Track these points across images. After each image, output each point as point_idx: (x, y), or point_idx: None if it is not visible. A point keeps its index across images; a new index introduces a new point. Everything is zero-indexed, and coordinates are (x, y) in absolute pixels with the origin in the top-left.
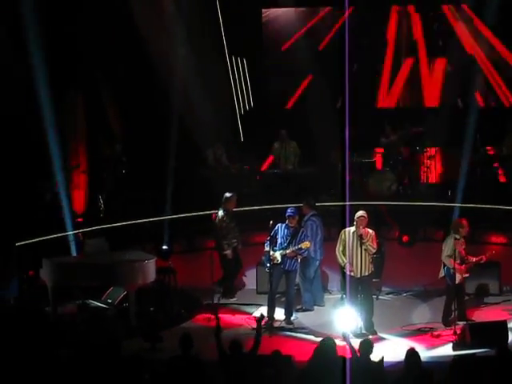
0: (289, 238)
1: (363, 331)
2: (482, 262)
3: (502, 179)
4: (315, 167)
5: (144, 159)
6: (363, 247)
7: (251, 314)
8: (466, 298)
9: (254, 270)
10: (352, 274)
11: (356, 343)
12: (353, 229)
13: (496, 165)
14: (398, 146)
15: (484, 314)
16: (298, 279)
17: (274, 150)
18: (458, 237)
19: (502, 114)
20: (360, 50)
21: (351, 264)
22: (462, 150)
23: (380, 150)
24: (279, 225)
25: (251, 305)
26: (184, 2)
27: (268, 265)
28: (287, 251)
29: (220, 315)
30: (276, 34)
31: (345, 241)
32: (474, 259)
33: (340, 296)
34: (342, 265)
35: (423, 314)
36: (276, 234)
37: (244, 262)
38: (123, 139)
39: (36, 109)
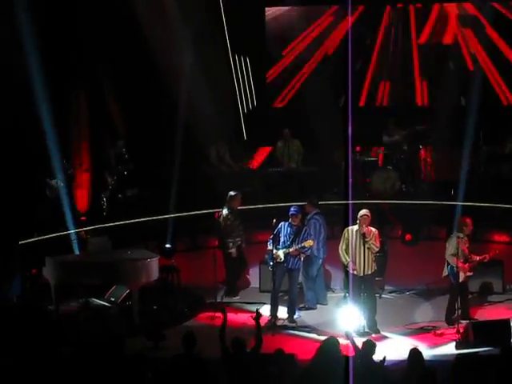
0: (292, 237)
1: (366, 330)
2: (485, 260)
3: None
4: (318, 166)
5: (147, 157)
6: (366, 246)
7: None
8: (470, 296)
9: (257, 269)
10: (355, 272)
11: (359, 342)
12: (356, 227)
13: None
14: (401, 144)
15: (487, 313)
16: (300, 278)
17: (278, 148)
18: (461, 235)
19: (506, 112)
20: (364, 49)
21: (354, 262)
22: (464, 148)
23: (381, 148)
24: (282, 223)
25: (254, 303)
26: (187, 1)
27: (271, 263)
28: (290, 250)
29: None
30: (279, 32)
31: (348, 239)
32: (478, 258)
33: (343, 294)
34: (345, 263)
35: (426, 312)
36: (279, 232)
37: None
38: (126, 137)
39: (37, 108)
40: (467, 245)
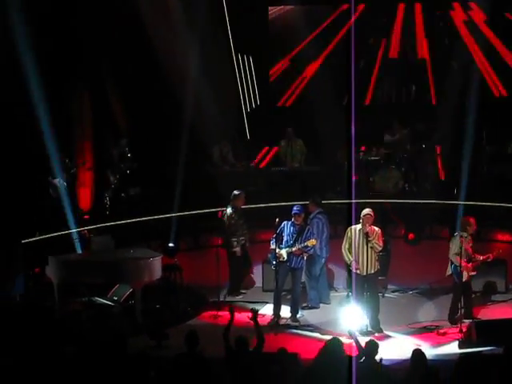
0: (295, 236)
1: (369, 329)
2: (488, 260)
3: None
4: (321, 165)
5: (150, 156)
6: (369, 245)
7: (257, 311)
8: (473, 296)
9: (260, 268)
10: (358, 271)
11: (362, 341)
12: (359, 226)
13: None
14: (404, 143)
15: (490, 312)
16: (303, 277)
17: (281, 148)
18: (465, 235)
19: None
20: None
21: (357, 262)
22: (465, 147)
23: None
24: (285, 222)
25: (257, 302)
26: (190, 1)
27: (274, 262)
28: (293, 249)
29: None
30: (283, 31)
31: (351, 238)
32: (481, 257)
33: (346, 294)
34: (348, 262)
35: (429, 311)
36: (282, 231)
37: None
38: (129, 136)
39: (36, 107)
40: (471, 244)
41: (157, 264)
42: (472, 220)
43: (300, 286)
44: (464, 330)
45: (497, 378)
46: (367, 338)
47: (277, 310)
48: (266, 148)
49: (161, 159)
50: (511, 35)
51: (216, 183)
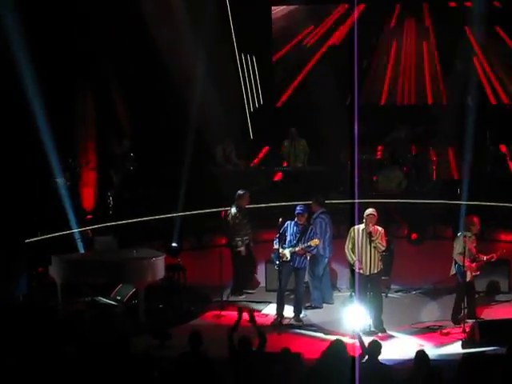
0: (298, 236)
1: (372, 329)
2: (492, 260)
3: None
4: (324, 165)
5: (153, 156)
6: (372, 245)
7: (260, 311)
8: (476, 296)
9: (263, 268)
10: (361, 271)
11: (365, 341)
12: (362, 226)
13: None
14: (407, 143)
15: (494, 312)
16: (306, 277)
17: (284, 148)
18: (469, 234)
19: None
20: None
21: (360, 262)
22: (468, 147)
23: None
24: (288, 222)
25: (260, 302)
26: (194, 1)
27: (277, 262)
28: (296, 249)
29: (232, 313)
30: (286, 31)
31: (354, 238)
32: (485, 257)
33: (349, 294)
34: (352, 262)
35: (432, 311)
36: (285, 231)
37: None
38: (132, 135)
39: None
40: (475, 244)
41: (160, 264)
42: (476, 220)
43: (303, 285)
44: (467, 330)
45: (500, 378)
46: (370, 338)
47: (280, 309)
48: (266, 148)
49: (164, 159)
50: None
51: (219, 183)
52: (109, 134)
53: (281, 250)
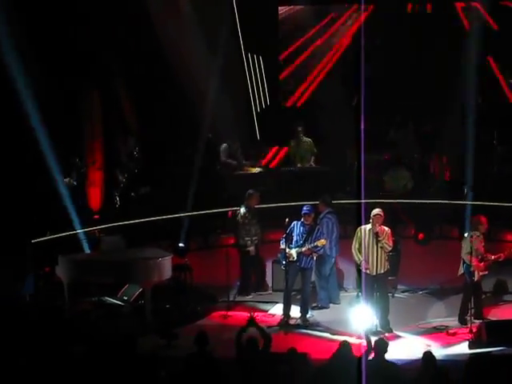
0: (304, 236)
1: (379, 329)
2: (500, 259)
3: None
4: (331, 165)
5: (159, 155)
6: (379, 245)
7: (267, 311)
8: (484, 296)
9: (270, 268)
10: (368, 271)
11: (372, 341)
12: (369, 226)
13: None
14: (414, 143)
15: (501, 312)
16: (313, 277)
17: (291, 147)
18: (477, 234)
19: None
20: (375, 49)
21: (367, 262)
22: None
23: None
24: (295, 222)
25: (267, 302)
26: (200, 0)
27: (284, 262)
28: (303, 249)
29: (237, 313)
30: (293, 31)
31: (361, 238)
32: (493, 257)
33: (356, 294)
34: (358, 262)
35: (439, 311)
36: (292, 231)
37: None
38: (139, 134)
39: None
40: (483, 243)
41: (167, 264)
42: (484, 219)
43: (310, 285)
44: (474, 330)
45: (507, 379)
46: (377, 338)
47: (287, 309)
48: (276, 148)
49: (170, 158)
50: None
51: (226, 183)
52: (115, 134)
53: (287, 250)
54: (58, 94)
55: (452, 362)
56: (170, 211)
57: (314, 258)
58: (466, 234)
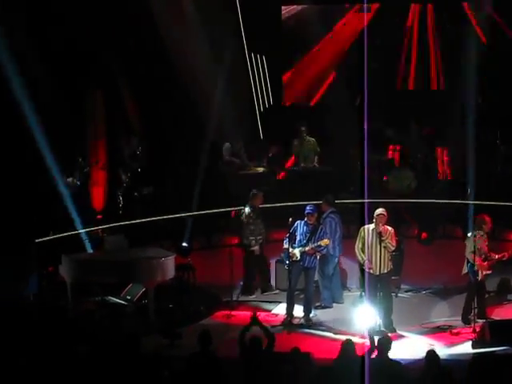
0: (308, 235)
1: (382, 329)
2: (504, 259)
3: None
4: (334, 164)
5: (162, 155)
6: (382, 244)
7: (270, 311)
8: (487, 295)
9: (273, 267)
10: (371, 271)
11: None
12: (372, 226)
13: None
14: (418, 143)
15: (504, 312)
16: (316, 276)
17: (294, 147)
18: (481, 233)
19: None
20: (378, 49)
21: (370, 261)
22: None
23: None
24: (298, 222)
25: (270, 302)
26: (203, 0)
27: (287, 262)
28: (306, 248)
29: (240, 313)
30: (296, 31)
31: (364, 238)
32: (497, 256)
33: (359, 293)
34: (362, 262)
35: (442, 311)
36: (295, 231)
37: None
38: (142, 134)
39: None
40: (487, 243)
41: (170, 263)
42: (488, 218)
43: (313, 285)
44: (477, 329)
45: (510, 378)
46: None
47: (290, 309)
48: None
49: (173, 158)
50: None
51: (229, 183)
52: (118, 133)
53: (291, 250)
54: (61, 94)
55: (455, 362)
56: (173, 211)
57: (318, 257)
58: (469, 234)
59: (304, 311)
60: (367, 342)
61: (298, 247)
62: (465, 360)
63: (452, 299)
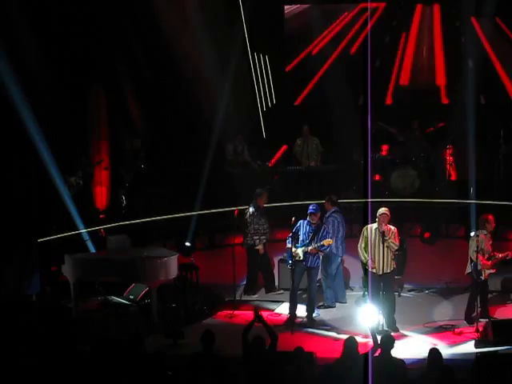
0: (311, 235)
1: (385, 328)
2: (507, 258)
3: None
4: (337, 164)
5: (165, 154)
6: (385, 244)
7: (273, 310)
8: (490, 295)
9: (276, 267)
10: (374, 270)
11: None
12: (375, 225)
13: None
14: (421, 142)
15: (507, 312)
16: (320, 276)
17: (297, 146)
18: (485, 232)
19: None
20: (382, 47)
21: (373, 261)
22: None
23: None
24: (301, 221)
25: (273, 301)
26: (206, 1)
27: (290, 261)
28: (309, 248)
29: (243, 312)
30: (298, 30)
31: (367, 237)
32: (500, 255)
33: (362, 293)
34: (364, 261)
35: (445, 311)
36: (298, 230)
37: None
38: (145, 134)
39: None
40: (490, 242)
41: (173, 263)
42: (491, 217)
43: (316, 284)
44: (480, 329)
45: None
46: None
47: (293, 309)
48: (285, 147)
49: (176, 158)
50: None
51: (232, 182)
52: (121, 133)
53: (293, 250)
54: (64, 94)
55: (458, 361)
56: (176, 210)
57: (320, 257)
58: (473, 233)
59: (307, 311)
60: (370, 341)
61: (301, 247)
62: (468, 359)
63: (455, 299)
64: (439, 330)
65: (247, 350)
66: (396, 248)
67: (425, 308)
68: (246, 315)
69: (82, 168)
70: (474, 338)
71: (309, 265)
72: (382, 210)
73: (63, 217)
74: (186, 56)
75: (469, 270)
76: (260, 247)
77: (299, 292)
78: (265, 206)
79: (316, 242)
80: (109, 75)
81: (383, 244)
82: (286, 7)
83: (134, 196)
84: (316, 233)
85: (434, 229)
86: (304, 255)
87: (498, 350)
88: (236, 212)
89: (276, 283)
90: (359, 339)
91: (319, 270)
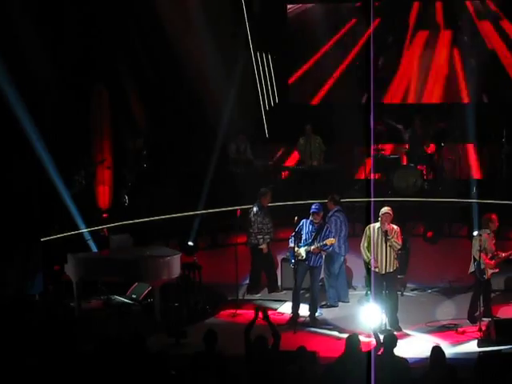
0: (313, 234)
1: (388, 327)
2: (510, 257)
3: None
4: (340, 163)
5: (167, 154)
6: (388, 243)
7: (276, 310)
8: (493, 294)
9: (279, 266)
10: (377, 270)
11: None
12: (378, 225)
13: None
14: (424, 141)
15: (510, 311)
16: (322, 275)
17: (299, 145)
18: (488, 231)
19: None
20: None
21: (376, 260)
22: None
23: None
24: (304, 221)
25: (276, 301)
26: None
27: (293, 261)
28: (312, 247)
29: (245, 311)
30: (301, 29)
31: (370, 237)
32: (503, 254)
33: (365, 292)
34: (367, 261)
35: (448, 310)
36: (301, 230)
37: None
38: (147, 133)
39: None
40: (494, 241)
41: (176, 262)
42: (494, 217)
43: (319, 284)
44: (483, 328)
45: None
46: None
47: (295, 308)
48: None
49: (179, 157)
50: None
51: (235, 181)
52: (124, 133)
53: (296, 249)
54: (67, 94)
55: (461, 361)
56: (179, 210)
57: (323, 256)
58: (475, 232)
59: (310, 310)
60: (373, 340)
61: (304, 246)
62: (470, 359)
63: (458, 298)
64: (442, 329)
65: (250, 349)
66: (399, 247)
67: (428, 307)
68: (249, 315)
69: (84, 167)
70: (476, 337)
71: (311, 264)
72: (385, 209)
73: (66, 216)
74: (188, 56)
75: (472, 269)
76: (264, 246)
77: (302, 291)
78: (269, 205)
79: (319, 242)
80: (111, 75)
81: (386, 243)
82: (289, 6)
83: (137, 195)
84: (319, 232)
85: (437, 228)
86: (307, 254)
87: (500, 349)
88: (238, 212)
89: (279, 283)
90: (362, 338)
91: (322, 270)
